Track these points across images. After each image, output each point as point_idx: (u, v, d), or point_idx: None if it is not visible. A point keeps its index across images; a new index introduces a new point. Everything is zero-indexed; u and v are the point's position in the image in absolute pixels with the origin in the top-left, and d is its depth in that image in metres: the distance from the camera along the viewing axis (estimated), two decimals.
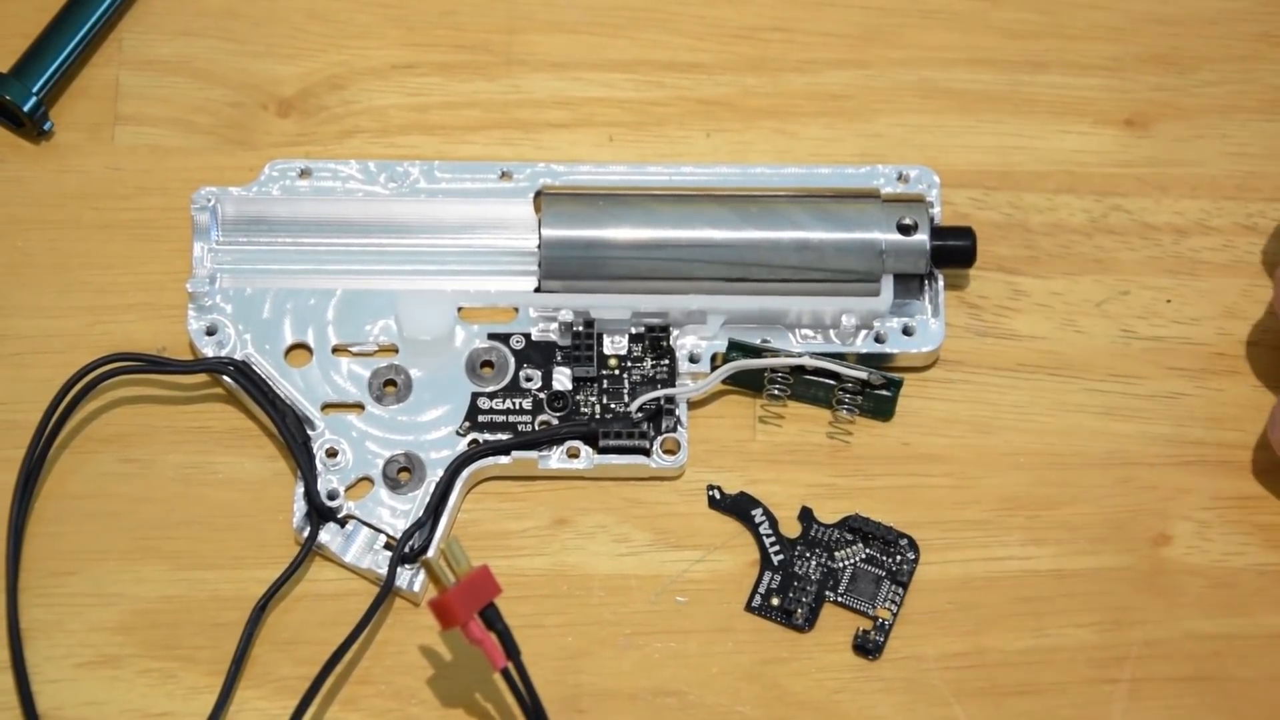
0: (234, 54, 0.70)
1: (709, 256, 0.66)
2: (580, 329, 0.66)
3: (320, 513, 0.64)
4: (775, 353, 0.66)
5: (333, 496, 0.64)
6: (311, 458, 0.64)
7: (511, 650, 0.59)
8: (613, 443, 0.65)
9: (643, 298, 0.66)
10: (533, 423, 0.65)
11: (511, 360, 0.66)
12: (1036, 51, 0.71)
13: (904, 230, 0.66)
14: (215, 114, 0.69)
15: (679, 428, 0.65)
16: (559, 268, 0.66)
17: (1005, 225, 0.66)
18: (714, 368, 0.66)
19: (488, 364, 0.66)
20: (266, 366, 0.65)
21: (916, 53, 0.71)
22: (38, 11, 0.70)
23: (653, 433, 0.65)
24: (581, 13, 0.71)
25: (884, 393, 0.66)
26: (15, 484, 0.63)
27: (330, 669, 0.61)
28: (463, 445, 0.65)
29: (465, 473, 0.64)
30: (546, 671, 0.62)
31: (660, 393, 0.65)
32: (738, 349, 0.66)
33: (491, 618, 0.58)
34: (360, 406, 0.65)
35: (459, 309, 0.66)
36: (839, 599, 0.64)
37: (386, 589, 0.62)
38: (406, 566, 0.63)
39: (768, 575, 0.65)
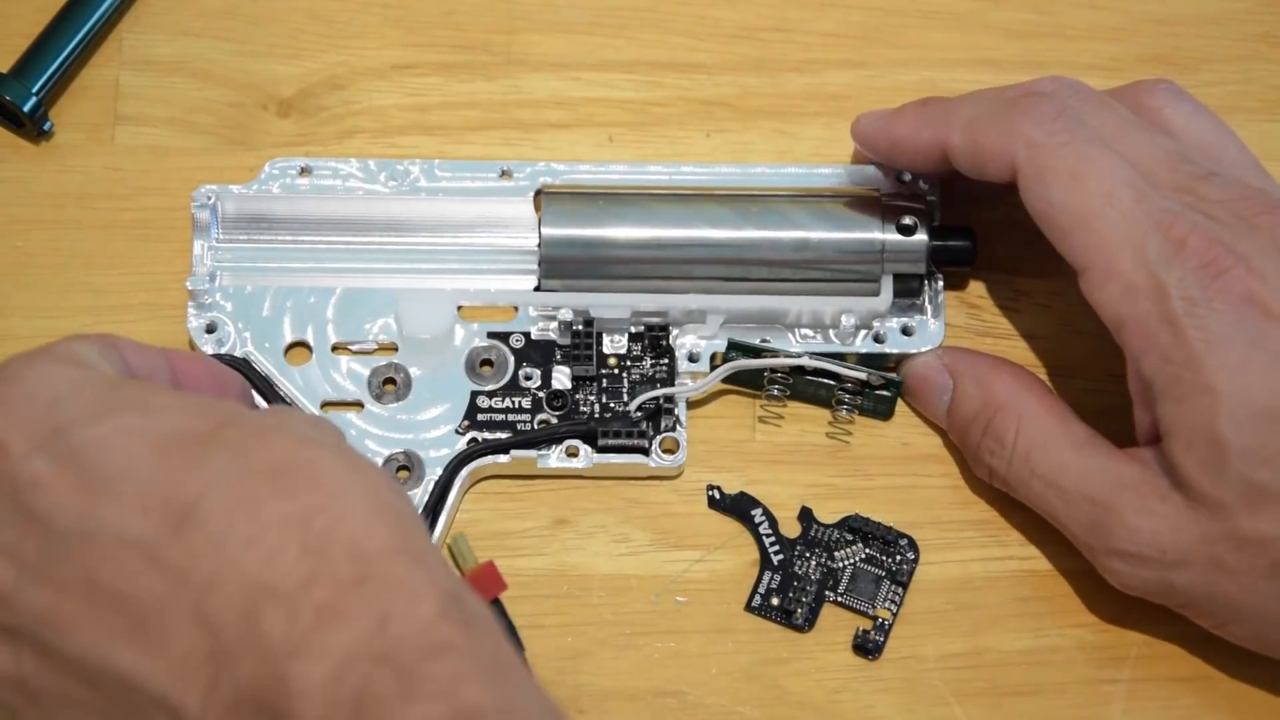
0: (234, 54, 0.70)
1: (709, 256, 0.66)
2: (580, 328, 0.66)
3: None
4: (775, 353, 0.66)
5: None
6: None
7: (515, 646, 0.58)
8: (611, 442, 0.65)
9: (642, 297, 0.66)
10: (532, 422, 0.65)
11: (511, 359, 0.66)
12: (1036, 51, 0.71)
13: (904, 230, 0.66)
14: (215, 114, 0.69)
15: (678, 427, 0.65)
16: (559, 267, 0.66)
17: (1005, 225, 0.66)
18: (713, 367, 0.66)
19: (487, 363, 0.66)
20: (266, 364, 0.65)
21: (916, 53, 0.71)
22: (38, 11, 0.70)
23: (652, 432, 0.65)
24: (581, 13, 0.71)
25: (884, 392, 0.66)
26: None
27: None
28: (462, 444, 0.65)
29: (464, 471, 0.64)
30: (547, 671, 0.62)
31: (659, 392, 0.65)
32: (737, 349, 0.66)
33: (495, 614, 0.58)
34: (360, 405, 0.65)
35: (459, 307, 0.66)
36: (839, 599, 0.64)
37: None
38: None
39: (767, 575, 0.64)
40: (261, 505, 0.50)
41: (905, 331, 0.67)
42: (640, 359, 0.66)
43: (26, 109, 0.68)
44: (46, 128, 0.69)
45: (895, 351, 0.66)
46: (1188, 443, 0.59)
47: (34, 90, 0.68)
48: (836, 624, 0.64)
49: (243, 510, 0.50)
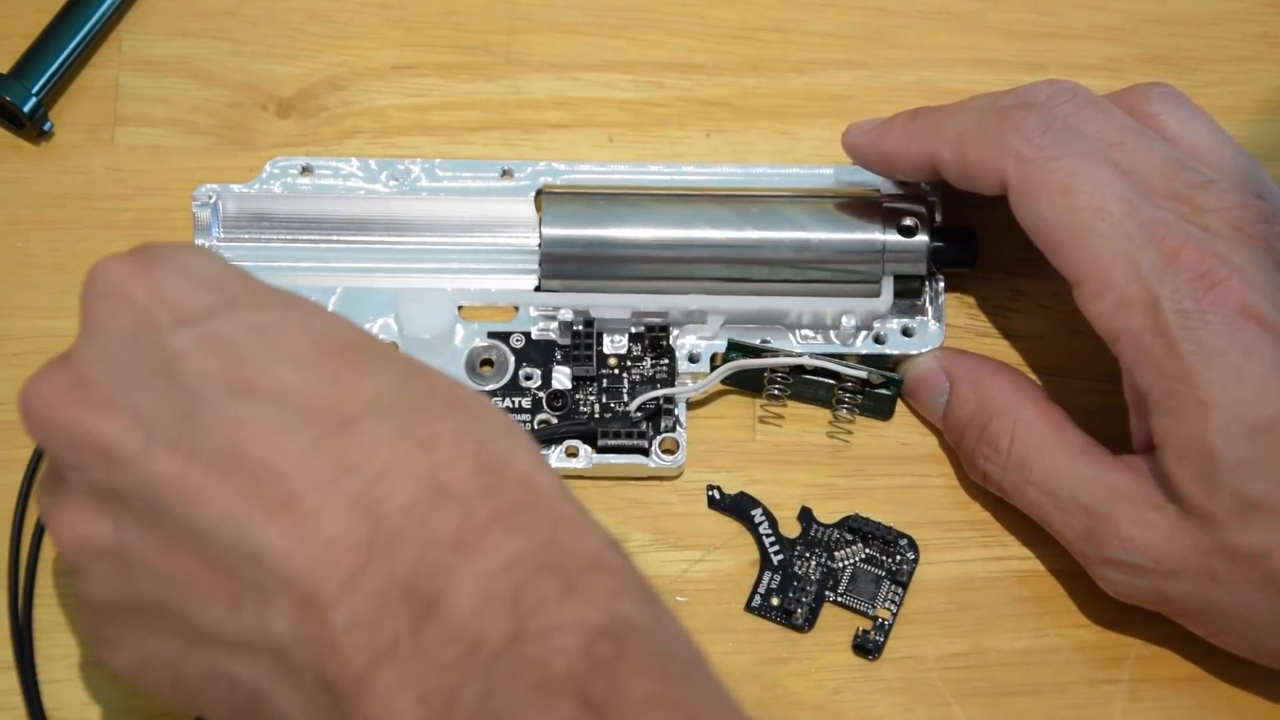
0: (234, 54, 0.70)
1: (709, 256, 0.66)
2: (580, 328, 0.66)
3: None
4: (775, 353, 0.66)
5: None
6: None
7: None
8: (611, 442, 0.65)
9: (643, 297, 0.66)
10: (532, 422, 0.65)
11: (511, 359, 0.66)
12: (1036, 52, 0.71)
13: (904, 231, 0.66)
14: (215, 114, 0.69)
15: (678, 427, 0.65)
16: (559, 267, 0.66)
17: (1005, 225, 0.66)
18: (713, 368, 0.66)
19: (487, 362, 0.66)
20: None
21: (916, 53, 0.71)
22: (37, 12, 0.70)
23: (651, 432, 0.65)
24: (581, 13, 0.71)
25: (884, 391, 0.66)
26: (20, 484, 0.64)
27: None
28: None
29: None
30: None
31: (659, 392, 0.65)
32: (737, 349, 0.66)
33: None
34: None
35: (459, 307, 0.66)
36: (839, 599, 0.64)
37: None
38: None
39: (767, 575, 0.64)
40: (439, 416, 0.51)
41: (906, 332, 0.67)
42: (640, 359, 0.66)
43: (26, 109, 0.68)
44: (46, 128, 0.69)
45: (896, 353, 0.66)
46: (1180, 455, 0.59)
47: (34, 91, 0.68)
48: (836, 624, 0.64)
49: (420, 415, 0.51)
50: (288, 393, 0.51)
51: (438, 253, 0.67)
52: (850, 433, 0.66)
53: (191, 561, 0.51)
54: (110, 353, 0.53)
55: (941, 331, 0.67)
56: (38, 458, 0.64)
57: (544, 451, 0.65)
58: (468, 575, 0.48)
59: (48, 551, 0.63)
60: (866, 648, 0.64)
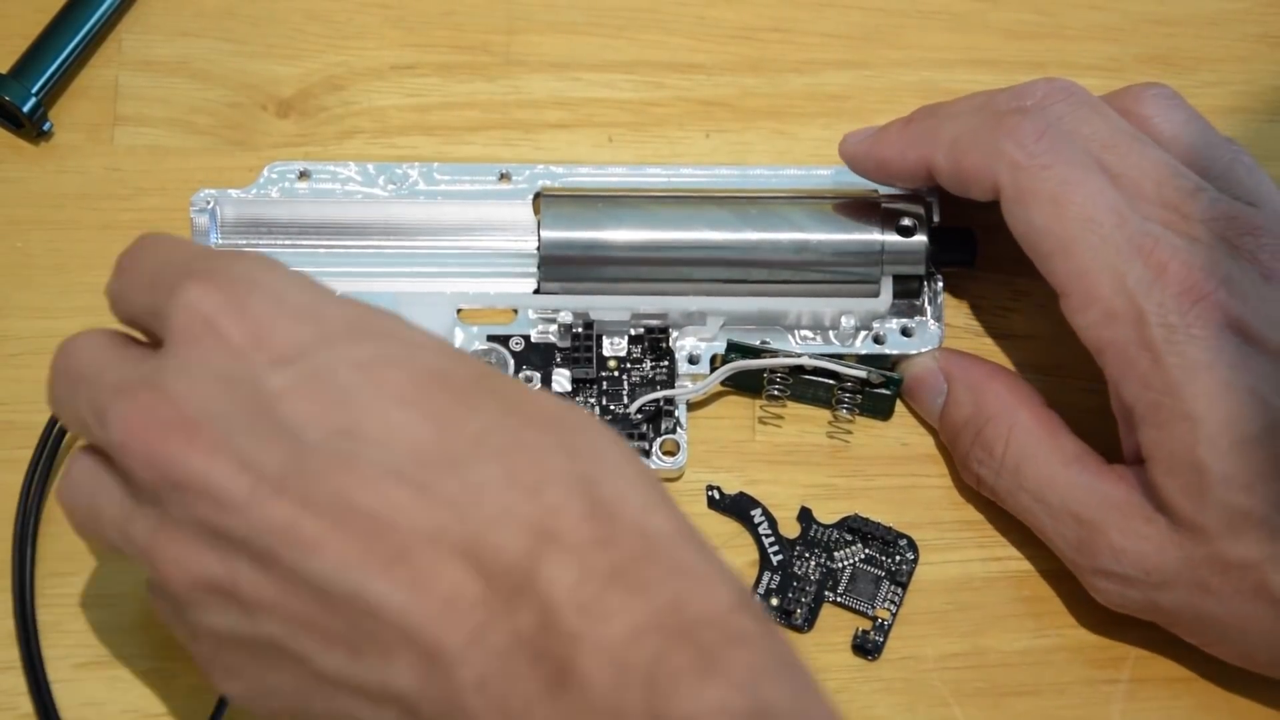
0: (233, 54, 0.70)
1: (708, 258, 0.66)
2: (579, 330, 0.66)
3: None
4: (774, 353, 0.66)
5: None
6: None
7: None
8: None
9: (642, 299, 0.66)
10: None
11: (511, 362, 0.66)
12: (1036, 52, 0.71)
13: (903, 231, 0.66)
14: (215, 115, 0.69)
15: (678, 429, 0.65)
16: (558, 269, 0.66)
17: (1005, 226, 0.66)
18: (713, 369, 0.66)
19: None
20: None
21: (916, 53, 0.71)
22: (37, 12, 0.70)
23: (652, 434, 0.65)
24: (581, 13, 0.71)
25: (883, 391, 0.66)
26: (21, 486, 0.64)
27: None
28: None
29: None
30: None
31: (659, 394, 0.65)
32: (737, 350, 0.66)
33: None
34: None
35: (458, 311, 0.66)
36: (838, 599, 0.64)
37: None
38: None
39: (767, 575, 0.65)
40: (546, 457, 0.50)
41: (905, 332, 0.67)
42: (640, 361, 0.66)
43: (26, 109, 0.68)
44: (46, 128, 0.69)
45: (895, 352, 0.66)
46: (1169, 468, 0.59)
47: (34, 91, 0.68)
48: (836, 624, 0.64)
49: (526, 458, 0.50)
50: (393, 435, 0.50)
51: (436, 256, 0.67)
52: (850, 433, 0.67)
53: (310, 606, 0.50)
54: (208, 391, 0.51)
55: (940, 331, 0.67)
56: (39, 457, 0.64)
57: None
58: (597, 643, 0.47)
59: (43, 552, 0.63)
60: (866, 648, 0.64)
